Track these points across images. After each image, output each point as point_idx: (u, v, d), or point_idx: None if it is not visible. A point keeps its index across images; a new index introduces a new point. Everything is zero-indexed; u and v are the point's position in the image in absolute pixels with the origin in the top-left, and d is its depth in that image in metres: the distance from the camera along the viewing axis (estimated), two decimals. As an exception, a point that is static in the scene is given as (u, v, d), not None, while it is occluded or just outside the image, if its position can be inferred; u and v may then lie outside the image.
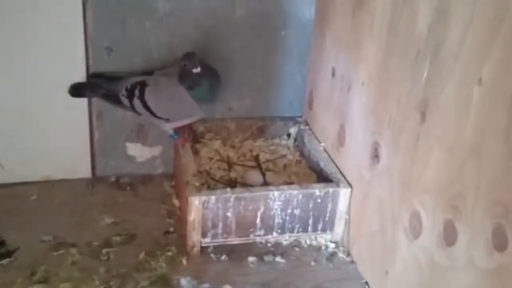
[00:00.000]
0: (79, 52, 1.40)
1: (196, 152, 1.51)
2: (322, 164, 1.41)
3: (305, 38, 1.54)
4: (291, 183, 1.39)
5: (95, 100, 1.46)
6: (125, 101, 1.38)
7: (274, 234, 1.32)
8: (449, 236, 0.92)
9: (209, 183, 1.40)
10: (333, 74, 1.40)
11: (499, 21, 0.79)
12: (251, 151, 1.57)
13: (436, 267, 0.96)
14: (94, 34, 1.40)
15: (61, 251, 1.26)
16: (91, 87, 1.43)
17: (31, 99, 1.41)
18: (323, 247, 1.35)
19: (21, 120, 1.43)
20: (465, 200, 0.88)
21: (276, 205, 1.28)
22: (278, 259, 1.30)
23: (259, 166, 1.50)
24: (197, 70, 1.29)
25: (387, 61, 1.12)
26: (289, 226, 1.32)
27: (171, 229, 1.37)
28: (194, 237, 1.27)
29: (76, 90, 1.42)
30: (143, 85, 1.36)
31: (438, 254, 0.95)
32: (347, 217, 1.33)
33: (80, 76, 1.41)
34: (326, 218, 1.33)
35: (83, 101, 1.46)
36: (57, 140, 1.47)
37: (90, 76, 1.43)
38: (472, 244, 0.86)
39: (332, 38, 1.41)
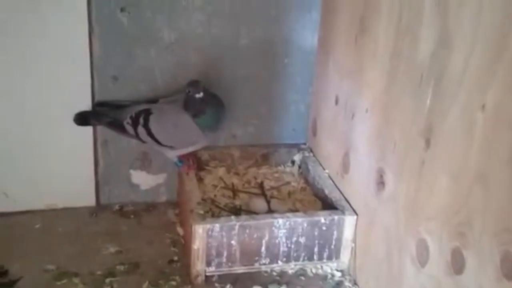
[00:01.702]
0: (85, 81, 1.41)
1: (200, 180, 1.50)
2: (327, 191, 1.40)
3: (308, 65, 1.55)
4: (296, 210, 1.38)
5: (100, 128, 1.47)
6: (130, 129, 1.39)
7: (279, 262, 1.30)
8: (457, 264, 0.90)
9: (214, 210, 1.40)
10: (337, 101, 1.41)
11: (502, 47, 0.80)
12: (255, 178, 1.56)
13: (444, 296, 0.94)
14: (99, 63, 1.42)
15: (64, 281, 1.25)
16: (96, 115, 1.44)
17: (36, 127, 1.42)
18: (329, 276, 1.33)
19: (26, 148, 1.44)
20: (472, 227, 0.87)
21: (281, 233, 1.27)
22: (283, 288, 1.28)
23: (263, 194, 1.49)
24: (199, 95, 1.30)
25: (390, 88, 1.12)
26: (295, 254, 1.30)
27: (175, 258, 1.35)
28: (199, 266, 1.26)
29: (82, 119, 1.43)
30: (147, 113, 1.37)
31: (446, 283, 0.94)
32: (353, 245, 1.31)
33: (85, 104, 1.43)
34: (332, 246, 1.31)
35: (88, 129, 1.46)
36: (62, 168, 1.47)
37: (95, 104, 1.44)
38: (481, 272, 0.85)
39: (335, 66, 1.42)
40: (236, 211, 1.40)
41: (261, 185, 1.53)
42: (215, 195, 1.47)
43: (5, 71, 1.36)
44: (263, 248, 1.28)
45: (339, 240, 1.31)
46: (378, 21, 1.16)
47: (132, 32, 1.41)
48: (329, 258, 1.32)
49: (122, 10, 1.39)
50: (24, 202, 1.46)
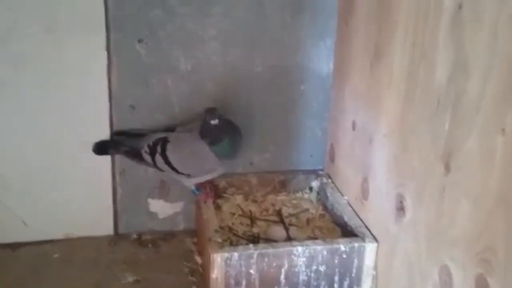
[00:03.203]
0: (104, 110, 1.43)
1: (218, 208, 1.50)
2: (346, 218, 1.38)
3: (324, 91, 1.55)
4: (315, 238, 1.37)
5: (118, 157, 1.48)
6: (147, 157, 1.40)
7: (299, 291, 1.29)
8: (481, 292, 0.88)
9: (232, 239, 1.38)
10: (354, 127, 1.40)
11: (520, 70, 0.79)
12: (273, 205, 1.55)
13: (470, 325, 0.92)
14: (118, 94, 1.44)
15: (83, 311, 1.25)
16: (114, 144, 1.45)
17: (55, 157, 1.44)
18: (350, 305, 1.30)
19: (44, 178, 1.45)
20: (496, 253, 0.84)
21: (301, 261, 1.25)
22: (303, 317, 1.26)
23: (282, 221, 1.48)
24: (215, 121, 1.30)
25: (407, 113, 1.12)
26: (315, 283, 1.28)
27: (194, 288, 1.35)
28: (217, 296, 1.25)
29: (100, 148, 1.44)
30: (164, 142, 1.38)
31: (471, 312, 0.91)
32: (374, 273, 1.28)
33: (104, 134, 1.44)
34: (353, 275, 1.29)
35: (107, 158, 1.48)
36: (80, 197, 1.48)
37: (114, 133, 1.46)
38: (507, 301, 0.82)
39: (351, 92, 1.42)
40: (254, 239, 1.39)
41: (279, 213, 1.51)
42: (233, 223, 1.46)
43: (24, 103, 1.39)
44: (282, 277, 1.26)
45: (360, 268, 1.28)
46: (392, 47, 1.17)
47: (149, 62, 1.43)
48: (350, 286, 1.30)
49: (139, 41, 1.41)
50: (42, 232, 1.47)
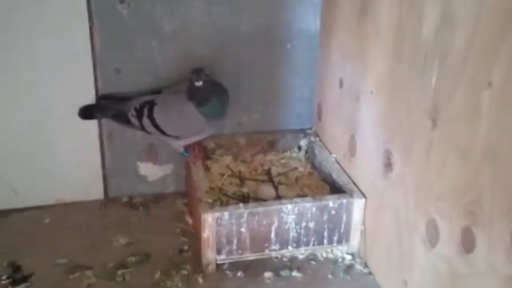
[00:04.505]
0: (88, 75, 1.41)
1: (207, 169, 1.51)
2: (334, 175, 1.40)
3: (311, 50, 1.54)
4: (304, 195, 1.38)
5: (105, 121, 1.47)
6: (135, 120, 1.39)
7: (290, 248, 1.31)
8: (467, 243, 0.90)
9: (222, 199, 1.40)
10: (341, 85, 1.40)
11: (507, 22, 0.79)
12: (262, 165, 1.56)
13: (456, 274, 0.94)
14: (101, 57, 1.41)
15: (77, 274, 1.26)
16: (101, 108, 1.44)
17: (42, 123, 1.43)
18: (340, 260, 1.33)
19: (32, 145, 1.44)
20: (482, 205, 0.86)
21: (290, 219, 1.27)
22: (294, 273, 1.28)
23: (271, 180, 1.49)
24: (198, 83, 1.29)
25: (394, 69, 1.11)
26: (304, 239, 1.30)
27: (186, 247, 1.36)
28: (209, 255, 1.26)
29: (86, 112, 1.43)
30: (151, 104, 1.37)
31: (457, 262, 0.94)
32: (362, 228, 1.31)
33: (89, 98, 1.43)
34: (342, 230, 1.31)
35: (93, 122, 1.46)
36: (69, 162, 1.48)
37: (99, 97, 1.44)
38: (492, 250, 0.85)
39: (338, 49, 1.41)
40: (244, 199, 1.40)
41: (268, 172, 1.53)
42: (222, 184, 1.47)
43: (9, 69, 1.36)
44: (272, 234, 1.28)
45: (348, 223, 1.31)
46: (380, 1, 1.15)
47: (133, 24, 1.40)
48: (339, 241, 1.33)
49: (121, 2, 1.38)
50: (33, 198, 1.47)
